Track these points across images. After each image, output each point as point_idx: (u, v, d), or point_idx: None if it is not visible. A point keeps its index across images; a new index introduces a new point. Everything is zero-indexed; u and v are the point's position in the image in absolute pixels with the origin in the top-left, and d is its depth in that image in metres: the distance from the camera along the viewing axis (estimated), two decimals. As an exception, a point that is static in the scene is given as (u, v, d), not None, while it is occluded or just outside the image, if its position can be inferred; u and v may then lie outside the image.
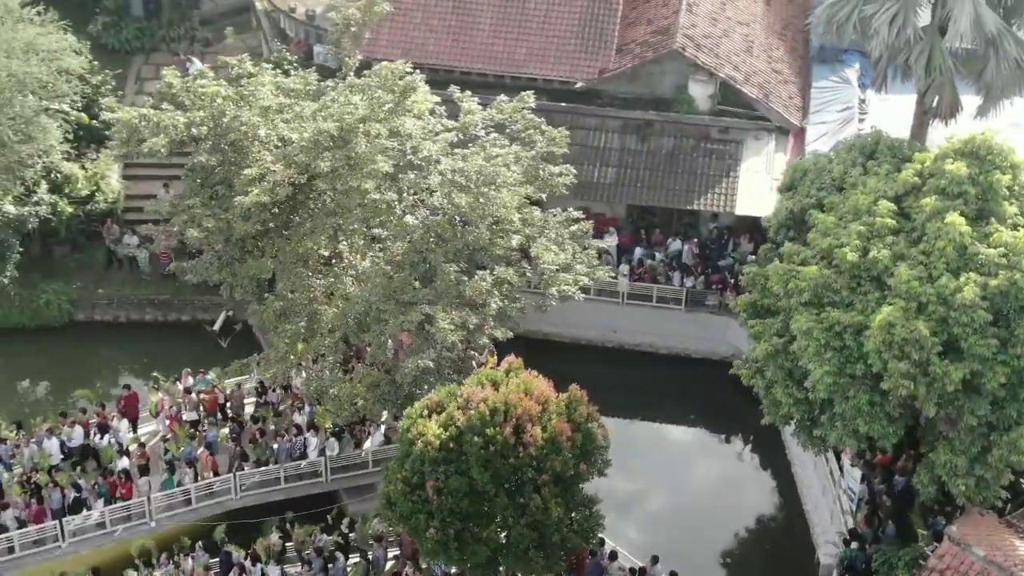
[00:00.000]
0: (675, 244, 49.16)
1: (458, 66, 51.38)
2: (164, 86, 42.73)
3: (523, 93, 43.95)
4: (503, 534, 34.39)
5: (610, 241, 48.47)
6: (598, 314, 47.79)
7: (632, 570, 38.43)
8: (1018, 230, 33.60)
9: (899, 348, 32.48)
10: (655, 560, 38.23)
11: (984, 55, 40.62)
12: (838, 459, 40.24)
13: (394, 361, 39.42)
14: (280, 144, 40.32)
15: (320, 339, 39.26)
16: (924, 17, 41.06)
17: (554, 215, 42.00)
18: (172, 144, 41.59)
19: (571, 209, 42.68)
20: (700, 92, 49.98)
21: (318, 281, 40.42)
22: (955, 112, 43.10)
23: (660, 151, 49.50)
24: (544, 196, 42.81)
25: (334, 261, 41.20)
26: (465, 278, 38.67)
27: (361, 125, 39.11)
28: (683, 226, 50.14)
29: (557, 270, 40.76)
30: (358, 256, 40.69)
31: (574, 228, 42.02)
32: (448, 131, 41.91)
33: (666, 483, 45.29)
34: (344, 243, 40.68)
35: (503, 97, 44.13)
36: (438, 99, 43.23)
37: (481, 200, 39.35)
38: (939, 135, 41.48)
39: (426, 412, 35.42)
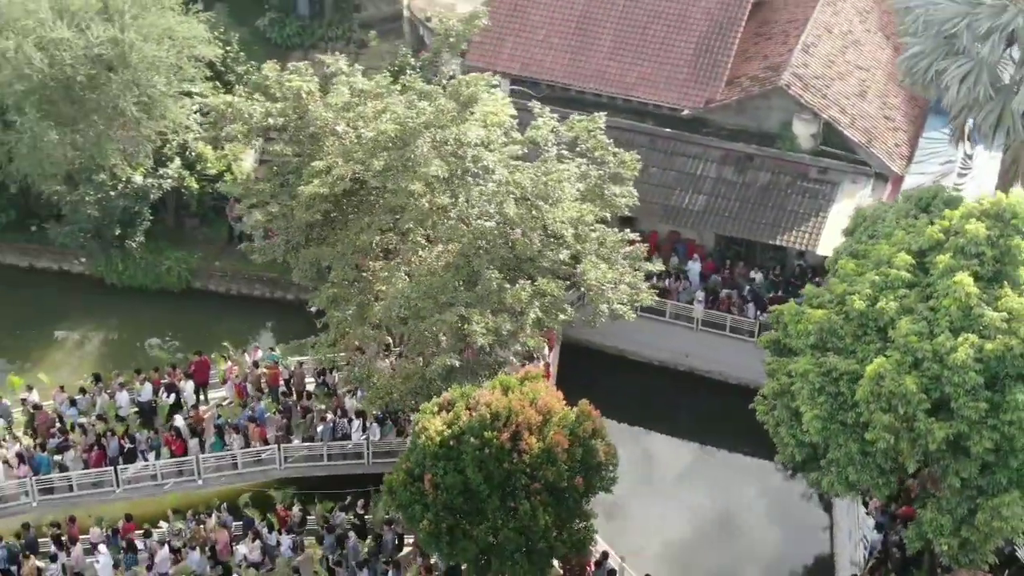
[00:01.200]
0: (758, 276, 48.56)
1: (573, 84, 51.57)
2: (259, 78, 43.96)
3: (595, 114, 43.79)
4: (492, 535, 34.46)
5: (693, 268, 48.45)
6: (673, 337, 47.42)
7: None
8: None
9: (886, 400, 31.73)
10: None
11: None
12: (866, 505, 39.64)
13: (428, 357, 39.81)
14: (356, 140, 40.89)
15: (365, 329, 39.77)
16: (1006, 76, 40.09)
17: (613, 234, 41.93)
18: (251, 131, 43.01)
19: (627, 230, 42.26)
20: (803, 130, 49.11)
21: (369, 274, 40.83)
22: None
23: (754, 184, 48.74)
24: (608, 214, 42.53)
25: (389, 256, 41.46)
26: (508, 285, 38.75)
27: (425, 130, 39.59)
28: (769, 260, 49.35)
29: (603, 287, 40.64)
30: (411, 253, 40.96)
31: (628, 249, 41.80)
32: (515, 143, 41.79)
33: (707, 510, 44.63)
34: (397, 239, 40.95)
35: (576, 115, 44.14)
36: (514, 112, 43.66)
37: (533, 212, 39.74)
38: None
39: (436, 408, 36.07)
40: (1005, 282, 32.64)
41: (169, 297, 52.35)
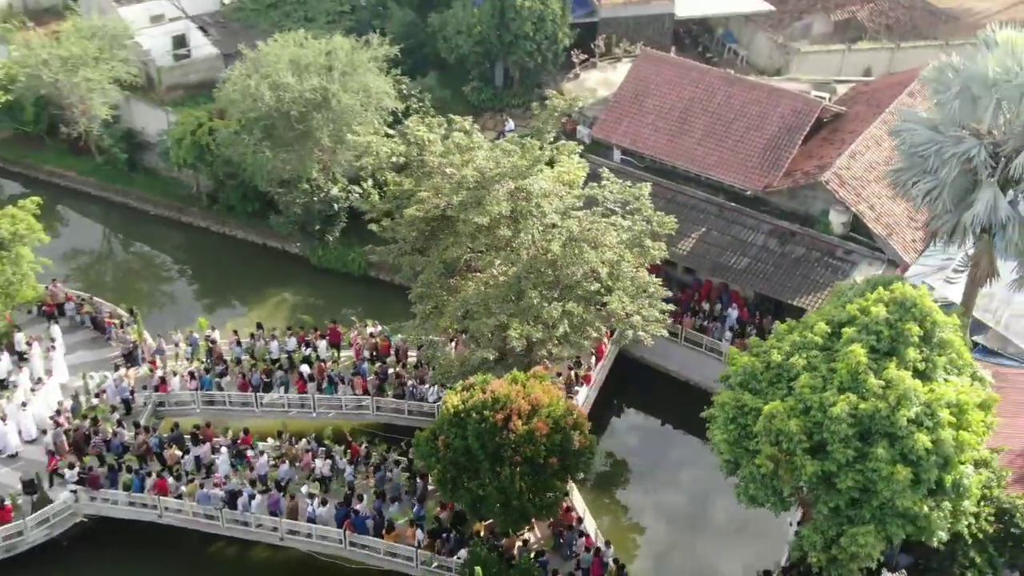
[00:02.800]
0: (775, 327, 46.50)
1: (667, 160, 50.82)
2: (403, 127, 44.94)
3: (642, 184, 43.35)
4: (481, 489, 34.61)
5: (732, 314, 47.30)
6: (705, 365, 45.47)
7: (597, 549, 36.95)
8: (914, 370, 30.96)
9: (774, 436, 30.67)
10: (608, 544, 37.71)
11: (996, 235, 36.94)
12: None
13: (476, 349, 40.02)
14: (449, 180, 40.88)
15: (441, 321, 40.10)
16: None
17: (644, 276, 41.17)
18: (378, 162, 43.86)
19: (653, 277, 41.32)
20: (836, 218, 47.09)
21: (452, 280, 41.30)
22: (990, 277, 39.24)
23: (791, 255, 46.74)
24: (647, 263, 41.81)
25: (469, 269, 41.67)
26: (546, 304, 38.98)
27: (499, 179, 39.87)
28: (791, 316, 47.16)
29: (626, 316, 40.13)
30: (483, 270, 41.08)
31: (652, 290, 41.19)
32: (575, 196, 41.55)
33: (686, 503, 42.89)
34: (473, 257, 41.14)
35: (627, 182, 43.54)
36: (586, 171, 43.47)
37: (576, 251, 39.76)
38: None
39: (460, 388, 36.48)
40: (895, 357, 31.19)
41: (350, 279, 53.44)
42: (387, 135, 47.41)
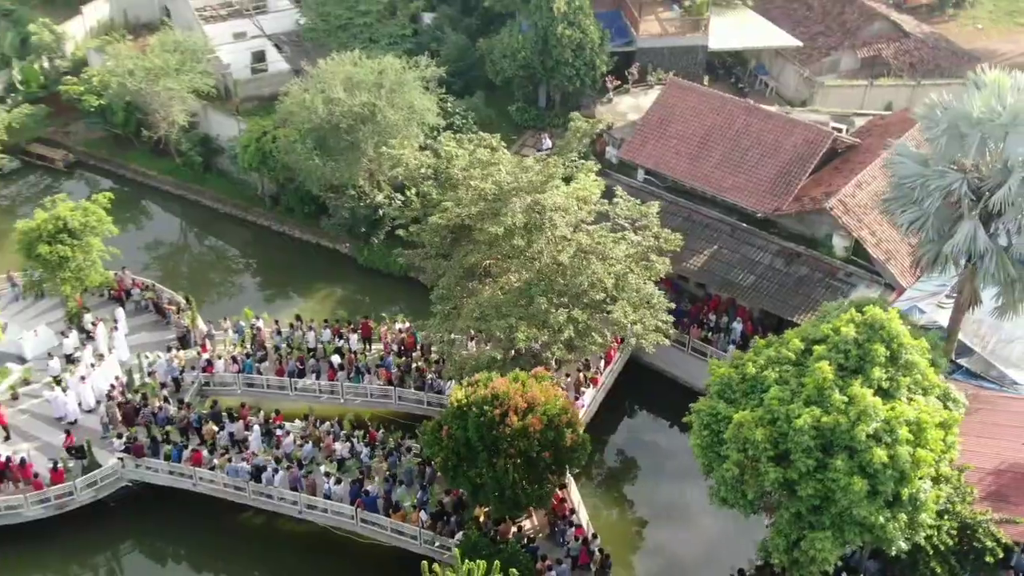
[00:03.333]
0: (778, 340, 45.65)
1: (687, 181, 50.02)
2: (436, 142, 44.73)
3: (650, 203, 42.87)
4: (479, 478, 34.60)
5: (736, 327, 46.46)
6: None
7: (585, 539, 36.65)
8: (878, 388, 30.12)
9: (741, 443, 30.21)
10: (595, 536, 37.31)
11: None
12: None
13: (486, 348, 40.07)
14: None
15: (458, 321, 40.05)
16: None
17: (649, 289, 40.62)
18: (408, 172, 44.07)
19: (658, 289, 40.83)
20: (839, 242, 46.02)
21: (468, 284, 40.92)
22: (972, 304, 38.11)
23: (795, 275, 45.76)
24: (652, 277, 41.11)
25: (487, 274, 41.41)
26: (553, 310, 38.74)
27: (515, 192, 39.72)
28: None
29: (625, 324, 39.72)
30: (499, 275, 41.02)
31: (654, 301, 40.60)
32: (586, 212, 41.14)
33: (679, 500, 42.09)
34: (490, 264, 41.02)
35: (636, 201, 42.94)
36: (602, 188, 43.12)
37: (583, 262, 39.45)
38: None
39: (466, 384, 36.34)
40: (861, 375, 30.40)
41: (392, 278, 53.27)
42: (421, 148, 47.46)
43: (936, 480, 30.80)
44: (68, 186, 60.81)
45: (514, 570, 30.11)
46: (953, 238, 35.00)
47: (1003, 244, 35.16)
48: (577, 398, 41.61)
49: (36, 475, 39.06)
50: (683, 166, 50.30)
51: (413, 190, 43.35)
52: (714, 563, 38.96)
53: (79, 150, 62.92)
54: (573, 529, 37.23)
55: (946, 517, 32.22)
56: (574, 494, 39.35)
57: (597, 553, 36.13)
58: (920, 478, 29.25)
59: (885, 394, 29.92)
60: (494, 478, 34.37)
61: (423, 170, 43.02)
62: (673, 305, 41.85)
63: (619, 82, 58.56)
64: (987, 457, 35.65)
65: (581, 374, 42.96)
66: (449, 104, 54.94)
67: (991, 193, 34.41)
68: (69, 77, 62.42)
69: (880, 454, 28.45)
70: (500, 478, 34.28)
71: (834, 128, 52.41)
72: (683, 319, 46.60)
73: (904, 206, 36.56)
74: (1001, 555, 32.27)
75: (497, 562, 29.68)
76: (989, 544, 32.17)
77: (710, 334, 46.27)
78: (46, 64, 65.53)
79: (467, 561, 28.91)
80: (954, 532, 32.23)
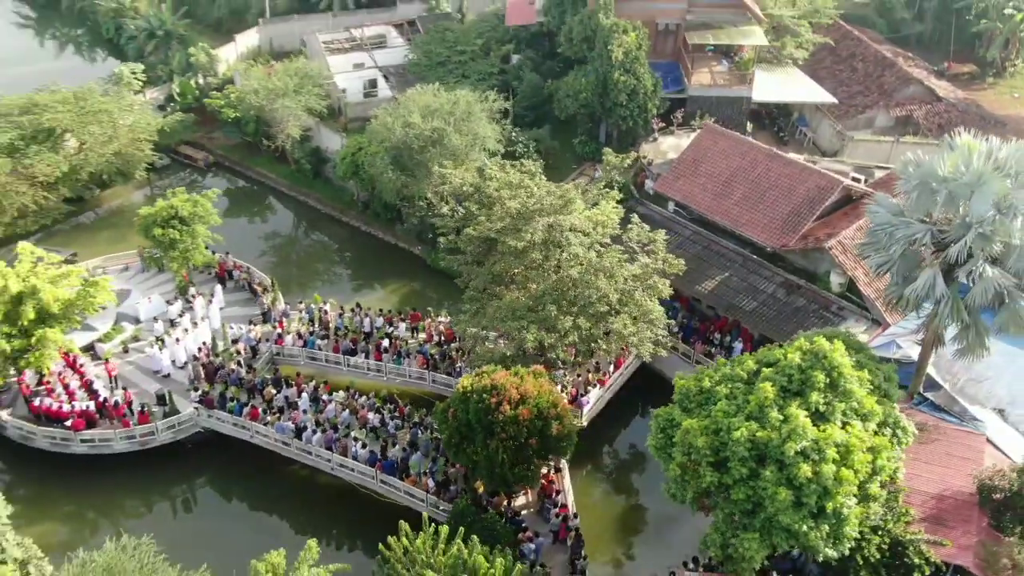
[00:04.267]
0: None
1: (708, 214, 48.56)
2: (482, 165, 44.65)
3: (659, 230, 41.77)
4: (475, 456, 34.66)
5: (737, 346, 44.93)
6: None
7: (565, 516, 36.50)
8: (815, 411, 28.84)
9: (686, 447, 29.46)
10: (575, 515, 36.75)
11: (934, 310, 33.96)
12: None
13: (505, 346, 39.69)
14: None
15: (480, 320, 40.01)
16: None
17: (652, 307, 39.80)
18: (452, 189, 43.92)
19: (655, 306, 39.97)
20: (835, 279, 44.08)
21: (495, 289, 40.85)
22: (935, 344, 36.15)
23: (792, 304, 44.08)
24: (655, 296, 40.06)
25: (512, 282, 41.16)
26: (561, 317, 38.33)
27: (538, 213, 39.54)
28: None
29: (623, 335, 39.09)
30: (521, 284, 40.69)
31: (653, 317, 39.66)
32: (600, 234, 40.72)
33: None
34: (515, 273, 40.72)
35: (647, 227, 41.99)
36: (621, 214, 42.41)
37: (591, 278, 38.93)
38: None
39: (475, 375, 36.19)
40: (801, 398, 29.24)
41: (453, 278, 52.19)
42: (479, 170, 47.57)
43: (865, 498, 29.41)
44: (207, 182, 63.08)
45: (476, 537, 30.02)
46: (915, 283, 33.35)
47: (962, 292, 33.42)
48: (583, 395, 41.19)
49: (126, 416, 40.80)
50: (708, 201, 49.04)
51: (449, 204, 43.19)
52: (675, 551, 37.76)
53: (218, 153, 65.21)
54: (557, 508, 36.85)
55: (879, 533, 30.83)
56: (566, 479, 38.94)
57: (573, 531, 35.72)
58: (844, 495, 28.04)
59: (821, 417, 28.75)
60: (487, 457, 34.39)
61: (465, 188, 43.03)
62: (672, 322, 41.04)
63: (664, 124, 57.49)
64: (934, 483, 33.99)
65: (590, 375, 42.43)
66: (514, 134, 54.85)
67: (952, 244, 32.78)
68: (215, 92, 64.80)
69: (806, 469, 27.39)
70: (491, 457, 34.27)
71: (854, 178, 50.50)
72: (692, 335, 45.74)
73: (875, 250, 35.02)
74: (928, 573, 30.70)
75: (461, 527, 29.71)
76: (918, 561, 30.66)
77: (713, 349, 45.02)
78: (200, 80, 68.14)
79: (432, 525, 29.02)
80: (885, 547, 30.81)
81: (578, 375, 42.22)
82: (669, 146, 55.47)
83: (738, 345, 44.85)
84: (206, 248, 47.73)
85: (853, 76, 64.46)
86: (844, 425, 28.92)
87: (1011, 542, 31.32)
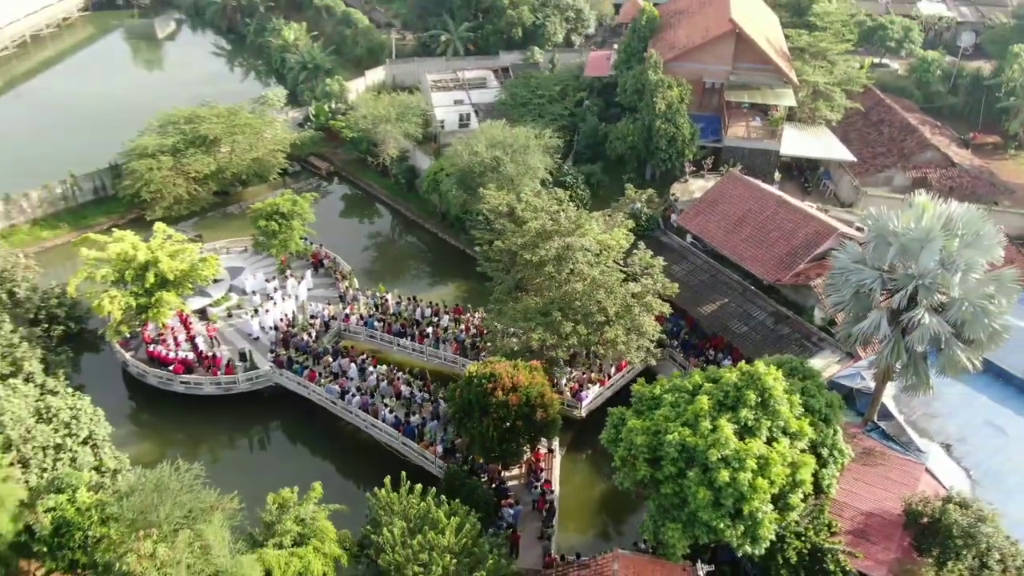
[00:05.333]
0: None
1: (718, 247, 46.52)
2: (520, 193, 44.48)
3: (658, 257, 40.28)
4: (472, 431, 34.59)
5: (725, 362, 42.96)
6: None
7: (544, 491, 35.89)
8: (744, 426, 27.46)
9: (628, 443, 28.63)
10: (552, 491, 35.96)
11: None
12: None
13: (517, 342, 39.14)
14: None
15: (501, 319, 39.72)
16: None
17: (647, 321, 38.63)
18: (490, 208, 43.54)
19: (648, 321, 38.85)
20: (818, 313, 41.61)
21: (516, 294, 40.47)
22: (887, 378, 33.76)
23: (778, 332, 41.88)
24: (651, 312, 39.00)
25: (528, 290, 40.63)
26: (564, 322, 37.65)
27: (554, 234, 38.94)
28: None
29: (615, 344, 37.95)
30: (539, 291, 40.06)
31: (644, 330, 38.40)
32: (605, 255, 39.76)
33: None
34: (536, 283, 40.07)
35: (650, 253, 40.90)
36: (630, 240, 41.38)
37: (592, 291, 38.10)
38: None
39: (481, 364, 36.05)
40: (733, 413, 27.93)
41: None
42: (508, 193, 47.01)
43: (786, 507, 27.84)
44: (326, 188, 65.14)
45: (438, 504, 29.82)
46: (861, 324, 31.33)
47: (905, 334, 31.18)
48: (583, 391, 40.49)
49: (216, 367, 42.56)
50: (719, 236, 47.23)
51: (501, 220, 42.94)
52: (634, 534, 36.65)
53: (338, 165, 66.96)
54: (541, 482, 36.35)
55: (801, 539, 29.15)
56: (556, 459, 38.30)
57: (549, 504, 35.18)
58: (759, 501, 26.64)
59: (749, 431, 27.43)
60: (480, 432, 34.29)
61: (501, 207, 42.93)
62: (664, 336, 39.86)
63: (695, 168, 55.82)
64: (867, 501, 31.93)
65: (592, 373, 41.67)
66: (566, 167, 54.34)
67: (897, 291, 30.65)
68: (340, 116, 66.79)
69: (724, 475, 26.25)
70: (484, 433, 34.15)
71: (858, 228, 47.79)
72: (691, 349, 44.30)
73: (834, 290, 33.08)
74: (843, 579, 28.88)
75: (434, 489, 29.69)
76: (833, 568, 28.86)
77: (705, 364, 43.42)
78: (332, 105, 70.35)
79: (408, 482, 29.09)
80: (806, 552, 29.09)
81: (583, 372, 41.50)
82: (698, 187, 53.75)
83: (727, 362, 43.00)
84: (302, 239, 49.24)
85: (879, 139, 60.94)
86: (771, 441, 27.51)
87: (926, 563, 29.08)
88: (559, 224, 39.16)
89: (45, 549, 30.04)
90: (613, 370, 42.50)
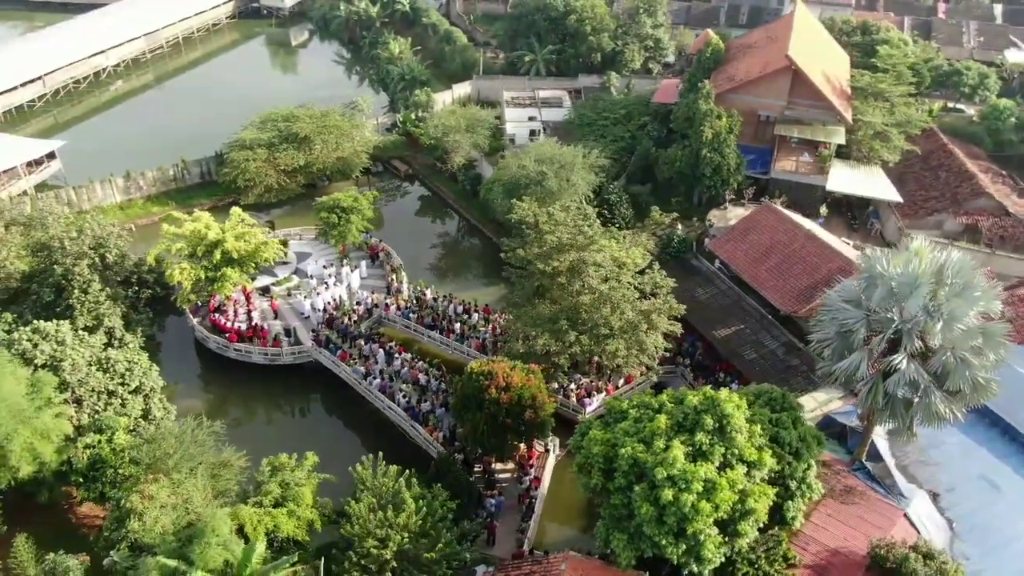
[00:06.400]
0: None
1: (742, 274, 44.44)
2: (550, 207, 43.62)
3: (668, 279, 38.88)
4: (468, 424, 34.61)
5: (733, 386, 41.07)
6: None
7: (530, 486, 35.37)
8: (698, 449, 26.13)
9: (587, 452, 27.77)
10: (536, 487, 35.27)
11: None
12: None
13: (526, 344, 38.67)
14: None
15: (518, 322, 39.20)
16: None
17: (652, 338, 37.36)
18: (518, 218, 42.85)
19: (651, 338, 37.55)
20: (829, 348, 39.55)
21: (535, 299, 39.82)
22: (873, 420, 31.32)
23: (786, 362, 39.70)
24: (657, 329, 37.87)
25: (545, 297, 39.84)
26: (569, 332, 36.91)
27: (571, 247, 38.21)
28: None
29: (615, 356, 36.93)
30: (554, 298, 39.35)
31: (646, 347, 37.24)
32: (618, 271, 38.63)
33: None
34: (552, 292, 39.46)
35: (663, 273, 39.57)
36: (646, 259, 39.97)
37: (599, 304, 37.16)
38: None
39: (484, 362, 35.83)
40: (689, 434, 26.63)
41: None
42: (540, 205, 46.21)
43: (735, 534, 26.33)
44: (405, 189, 66.26)
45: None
46: (842, 363, 29.24)
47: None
48: (588, 397, 39.66)
49: (264, 339, 44.18)
50: (745, 264, 45.23)
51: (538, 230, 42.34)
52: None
53: (415, 168, 68.06)
54: (529, 478, 35.86)
55: (754, 567, 27.56)
56: (551, 458, 37.67)
57: (531, 500, 34.67)
58: (702, 523, 25.32)
59: (702, 455, 26.13)
60: (473, 425, 34.13)
61: (528, 218, 42.52)
62: (679, 355, 38.73)
63: (734, 197, 53.52)
64: (836, 539, 29.90)
65: (599, 382, 40.73)
66: (611, 185, 53.29)
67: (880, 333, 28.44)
68: (420, 124, 67.96)
69: (668, 493, 25.17)
70: (476, 426, 33.96)
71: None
72: (702, 370, 42.60)
73: (820, 328, 31.01)
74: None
75: (413, 470, 29.74)
76: (783, 599, 27.15)
77: (713, 385, 41.57)
78: (418, 114, 71.64)
79: (384, 463, 29.26)
80: (756, 578, 27.49)
81: (591, 380, 40.64)
82: (735, 215, 51.58)
83: (734, 386, 40.96)
84: (362, 232, 50.41)
85: (935, 183, 56.61)
86: (724, 467, 26.10)
87: (882, 609, 26.93)
88: (575, 239, 38.43)
89: (80, 480, 32.10)
90: (621, 381, 41.39)
